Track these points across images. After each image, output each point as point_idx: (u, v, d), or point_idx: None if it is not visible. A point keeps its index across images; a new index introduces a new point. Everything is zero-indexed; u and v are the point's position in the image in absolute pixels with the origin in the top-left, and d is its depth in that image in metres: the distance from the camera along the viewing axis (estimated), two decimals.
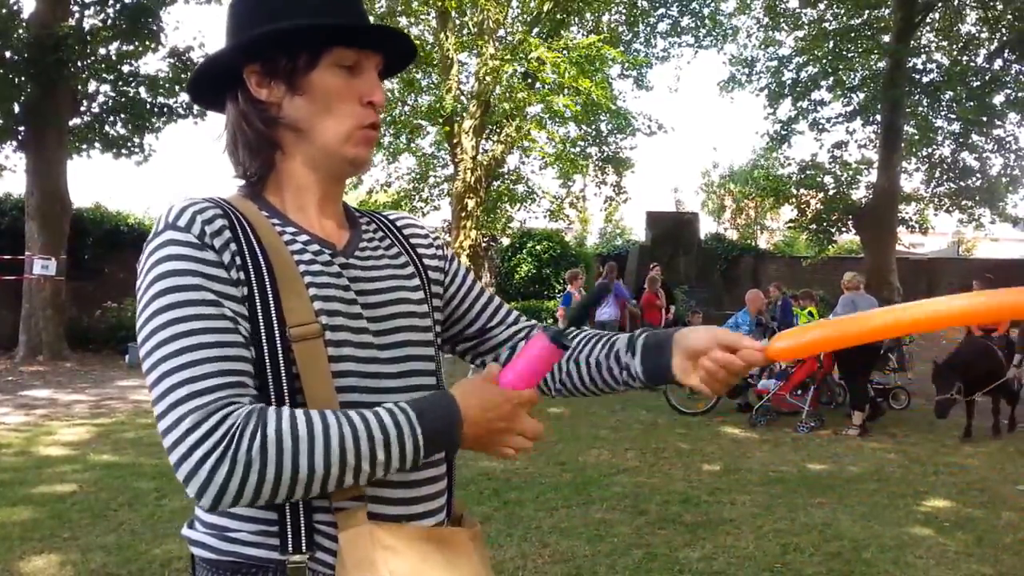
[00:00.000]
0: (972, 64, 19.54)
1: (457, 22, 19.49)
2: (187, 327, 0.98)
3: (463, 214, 19.00)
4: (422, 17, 20.13)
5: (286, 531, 1.03)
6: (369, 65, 1.15)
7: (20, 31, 12.39)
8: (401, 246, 1.28)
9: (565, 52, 17.43)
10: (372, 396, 1.09)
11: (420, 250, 1.30)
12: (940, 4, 19.21)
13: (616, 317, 11.29)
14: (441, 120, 18.80)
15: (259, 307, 1.04)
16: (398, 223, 1.32)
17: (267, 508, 1.04)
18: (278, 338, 1.03)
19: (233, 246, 1.04)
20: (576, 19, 20.67)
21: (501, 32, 19.28)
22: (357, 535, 1.03)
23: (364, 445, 0.97)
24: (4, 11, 12.14)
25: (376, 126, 1.15)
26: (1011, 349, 7.88)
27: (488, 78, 17.66)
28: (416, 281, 1.24)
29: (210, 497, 0.93)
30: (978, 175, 20.18)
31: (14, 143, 13.04)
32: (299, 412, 0.97)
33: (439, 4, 18.16)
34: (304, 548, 1.03)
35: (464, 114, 18.83)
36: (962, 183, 20.18)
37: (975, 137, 19.88)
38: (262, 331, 1.03)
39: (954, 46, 20.48)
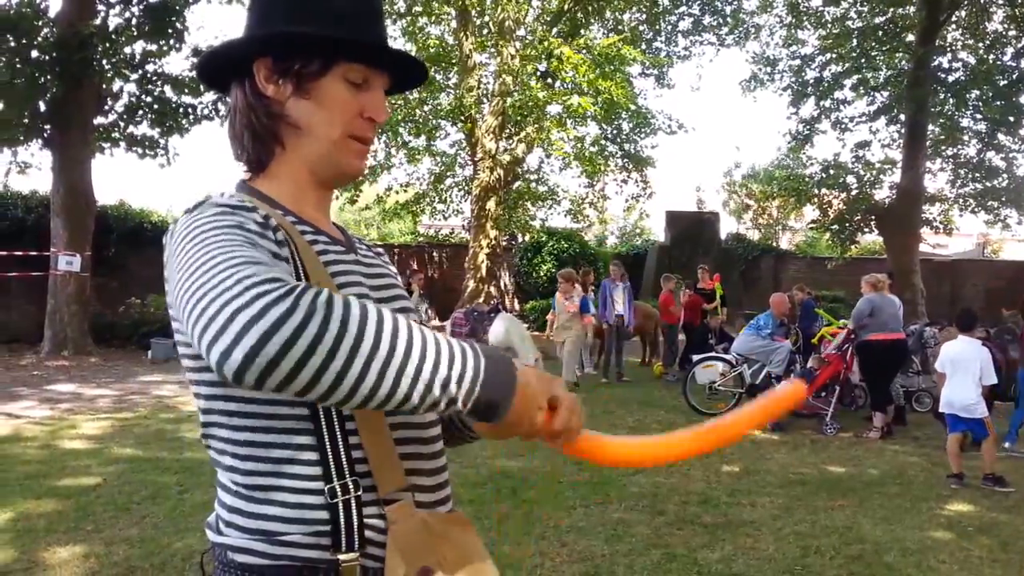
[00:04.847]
0: (999, 63, 19.25)
1: (477, 22, 19.50)
2: (227, 252, 0.91)
3: (483, 213, 19.02)
4: (442, 16, 20.18)
5: (339, 530, 1.03)
6: (377, 83, 1.16)
7: (46, 30, 12.56)
8: (372, 251, 1.32)
9: (585, 52, 17.41)
10: None
11: (383, 259, 1.35)
12: (966, 2, 18.96)
13: (608, 318, 11.28)
14: (462, 119, 18.84)
15: None
16: (364, 241, 1.36)
17: (318, 508, 1.04)
18: None
19: (282, 233, 1.05)
20: (596, 18, 20.61)
21: (521, 31, 19.28)
22: (411, 527, 1.06)
23: (431, 349, 0.88)
24: (30, 11, 12.32)
25: (369, 141, 1.17)
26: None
27: (508, 77, 17.66)
28: (400, 282, 1.29)
29: (250, 343, 0.79)
30: (1004, 175, 19.90)
31: (40, 141, 13.23)
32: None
33: (459, 3, 18.19)
34: (356, 546, 1.04)
35: (485, 114, 18.85)
36: (988, 183, 19.91)
37: (1001, 137, 19.61)
38: None
39: (980, 44, 20.19)
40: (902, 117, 19.29)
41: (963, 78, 19.07)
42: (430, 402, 0.89)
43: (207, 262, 0.89)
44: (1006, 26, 20.07)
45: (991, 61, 19.22)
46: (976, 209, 20.54)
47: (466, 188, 21.57)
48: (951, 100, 19.16)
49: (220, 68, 1.18)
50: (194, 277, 0.89)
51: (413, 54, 1.19)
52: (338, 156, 1.15)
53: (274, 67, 1.11)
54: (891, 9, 19.43)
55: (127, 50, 13.34)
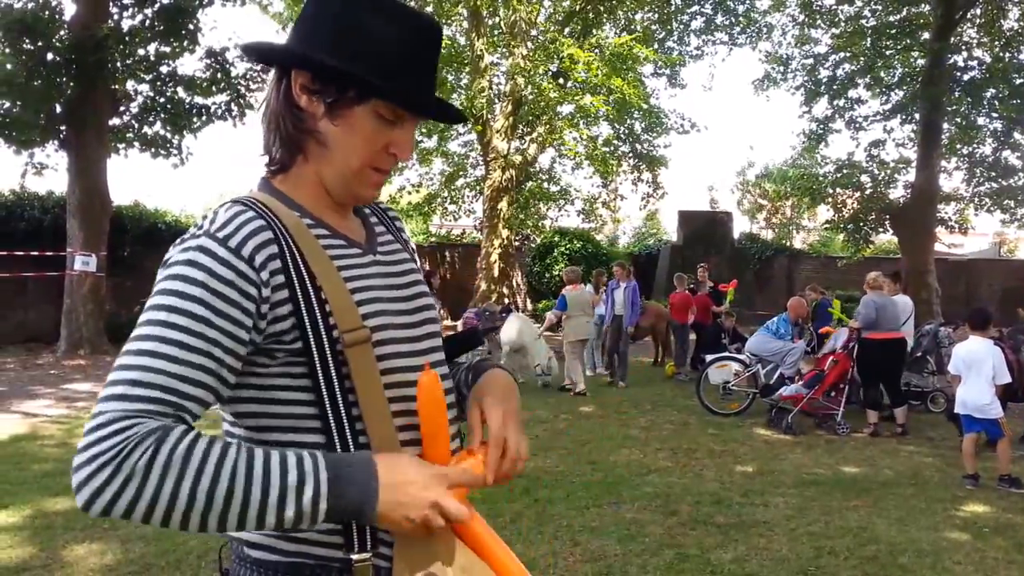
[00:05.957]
0: (1015, 61, 19.08)
1: (488, 23, 19.51)
2: (165, 333, 0.97)
3: (495, 214, 19.04)
4: (454, 17, 20.21)
5: (351, 529, 1.05)
6: (409, 122, 1.16)
7: (61, 32, 12.66)
8: (395, 236, 1.31)
9: (597, 51, 17.39)
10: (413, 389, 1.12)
11: (404, 236, 1.34)
12: (981, 0, 18.81)
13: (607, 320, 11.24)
14: (473, 119, 18.86)
15: (306, 318, 1.04)
16: (388, 214, 1.35)
17: None
18: (327, 346, 1.05)
19: (277, 262, 1.04)
20: (608, 17, 20.58)
21: (533, 32, 19.28)
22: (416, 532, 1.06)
23: (256, 490, 0.93)
24: (46, 13, 12.42)
25: (387, 173, 1.17)
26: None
27: (520, 78, 17.67)
28: (420, 272, 1.29)
29: (83, 499, 0.90)
30: (1021, 174, 19.74)
31: (56, 142, 13.34)
32: (205, 440, 0.94)
33: (471, 3, 18.20)
34: (369, 546, 1.05)
35: (497, 115, 18.86)
36: (1004, 182, 19.75)
37: (1017, 135, 19.46)
38: (311, 340, 1.04)
39: (996, 42, 20.01)
40: (917, 116, 19.15)
41: (978, 76, 18.90)
42: (272, 522, 0.95)
43: (135, 338, 0.99)
44: (1021, 24, 19.88)
45: (1007, 59, 19.04)
46: (992, 208, 20.38)
47: (478, 188, 21.60)
48: (966, 99, 18.99)
49: (264, 57, 1.21)
50: (127, 341, 0.99)
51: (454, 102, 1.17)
52: (354, 184, 1.15)
53: (311, 83, 1.11)
54: (906, 7, 19.28)
55: (141, 51, 13.43)
